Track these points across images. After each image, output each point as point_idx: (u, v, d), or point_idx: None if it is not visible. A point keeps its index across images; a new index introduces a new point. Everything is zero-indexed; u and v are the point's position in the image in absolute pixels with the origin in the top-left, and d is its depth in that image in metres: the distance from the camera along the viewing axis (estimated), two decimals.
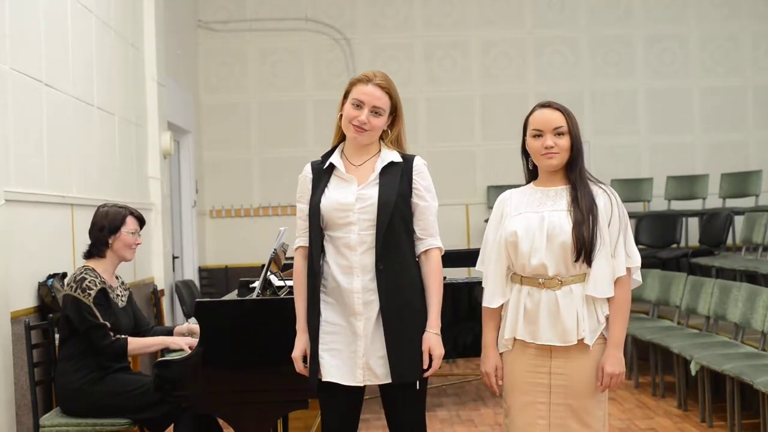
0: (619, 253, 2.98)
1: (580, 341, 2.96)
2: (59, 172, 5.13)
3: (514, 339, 3.05)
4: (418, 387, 3.08)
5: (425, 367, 3.06)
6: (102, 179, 5.93)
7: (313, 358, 3.08)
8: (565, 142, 3.01)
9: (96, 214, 4.29)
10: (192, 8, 9.63)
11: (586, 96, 9.91)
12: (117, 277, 4.33)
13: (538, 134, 3.03)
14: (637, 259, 3.02)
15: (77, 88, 5.48)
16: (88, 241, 4.27)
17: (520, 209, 3.06)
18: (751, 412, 5.36)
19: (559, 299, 2.96)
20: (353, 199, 3.07)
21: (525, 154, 3.13)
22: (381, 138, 3.17)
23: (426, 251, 3.12)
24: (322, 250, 3.10)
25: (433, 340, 3.06)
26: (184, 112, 8.82)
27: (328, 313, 3.09)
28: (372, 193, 3.08)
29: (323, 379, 3.06)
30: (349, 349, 3.06)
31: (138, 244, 4.32)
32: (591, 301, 2.98)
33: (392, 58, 9.84)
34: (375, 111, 3.08)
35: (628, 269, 3.01)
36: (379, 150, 3.16)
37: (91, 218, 4.30)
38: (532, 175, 3.15)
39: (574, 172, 3.03)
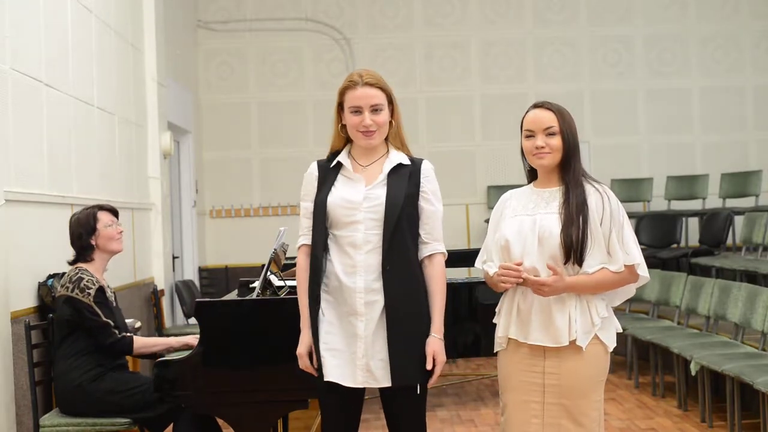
0: (615, 251, 2.95)
1: (573, 342, 2.95)
2: (59, 172, 5.12)
3: (509, 338, 3.05)
4: (418, 391, 3.04)
5: (429, 370, 3.03)
6: (102, 179, 5.93)
7: (316, 357, 3.06)
8: (556, 142, 3.00)
9: (69, 226, 4.30)
10: (192, 8, 9.63)
11: (586, 96, 9.91)
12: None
13: (530, 135, 3.03)
14: (635, 257, 2.97)
15: (77, 88, 5.48)
16: (73, 252, 4.28)
17: (516, 211, 3.06)
18: (751, 412, 5.35)
19: (552, 300, 2.94)
20: (361, 197, 3.06)
21: (524, 155, 3.12)
22: (386, 138, 3.15)
23: (430, 256, 3.10)
24: (326, 249, 3.08)
25: (437, 345, 3.04)
26: (184, 112, 8.82)
27: (329, 313, 3.07)
28: (380, 193, 3.06)
29: (325, 379, 3.04)
30: (348, 350, 3.03)
31: (121, 232, 4.33)
32: (585, 302, 2.96)
33: (392, 58, 9.84)
34: (374, 109, 3.06)
35: (629, 267, 2.97)
36: (387, 151, 3.15)
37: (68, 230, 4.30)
38: (531, 175, 3.15)
39: (568, 173, 3.01)
